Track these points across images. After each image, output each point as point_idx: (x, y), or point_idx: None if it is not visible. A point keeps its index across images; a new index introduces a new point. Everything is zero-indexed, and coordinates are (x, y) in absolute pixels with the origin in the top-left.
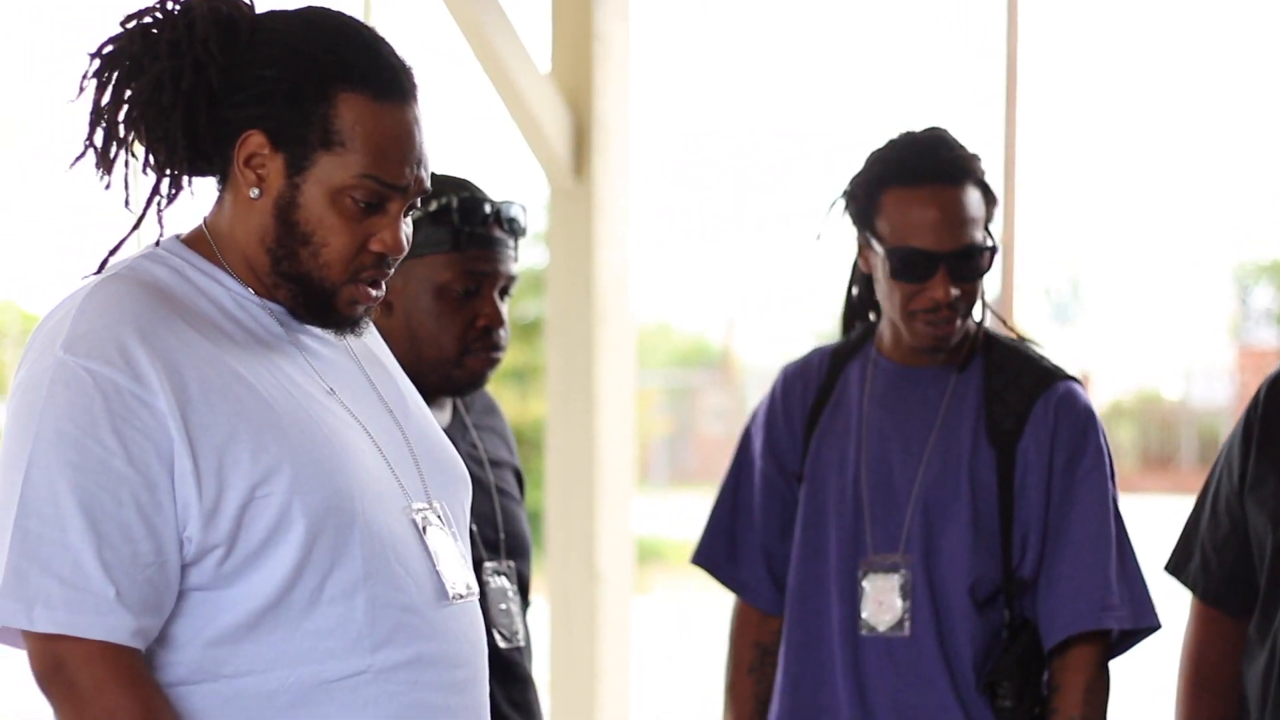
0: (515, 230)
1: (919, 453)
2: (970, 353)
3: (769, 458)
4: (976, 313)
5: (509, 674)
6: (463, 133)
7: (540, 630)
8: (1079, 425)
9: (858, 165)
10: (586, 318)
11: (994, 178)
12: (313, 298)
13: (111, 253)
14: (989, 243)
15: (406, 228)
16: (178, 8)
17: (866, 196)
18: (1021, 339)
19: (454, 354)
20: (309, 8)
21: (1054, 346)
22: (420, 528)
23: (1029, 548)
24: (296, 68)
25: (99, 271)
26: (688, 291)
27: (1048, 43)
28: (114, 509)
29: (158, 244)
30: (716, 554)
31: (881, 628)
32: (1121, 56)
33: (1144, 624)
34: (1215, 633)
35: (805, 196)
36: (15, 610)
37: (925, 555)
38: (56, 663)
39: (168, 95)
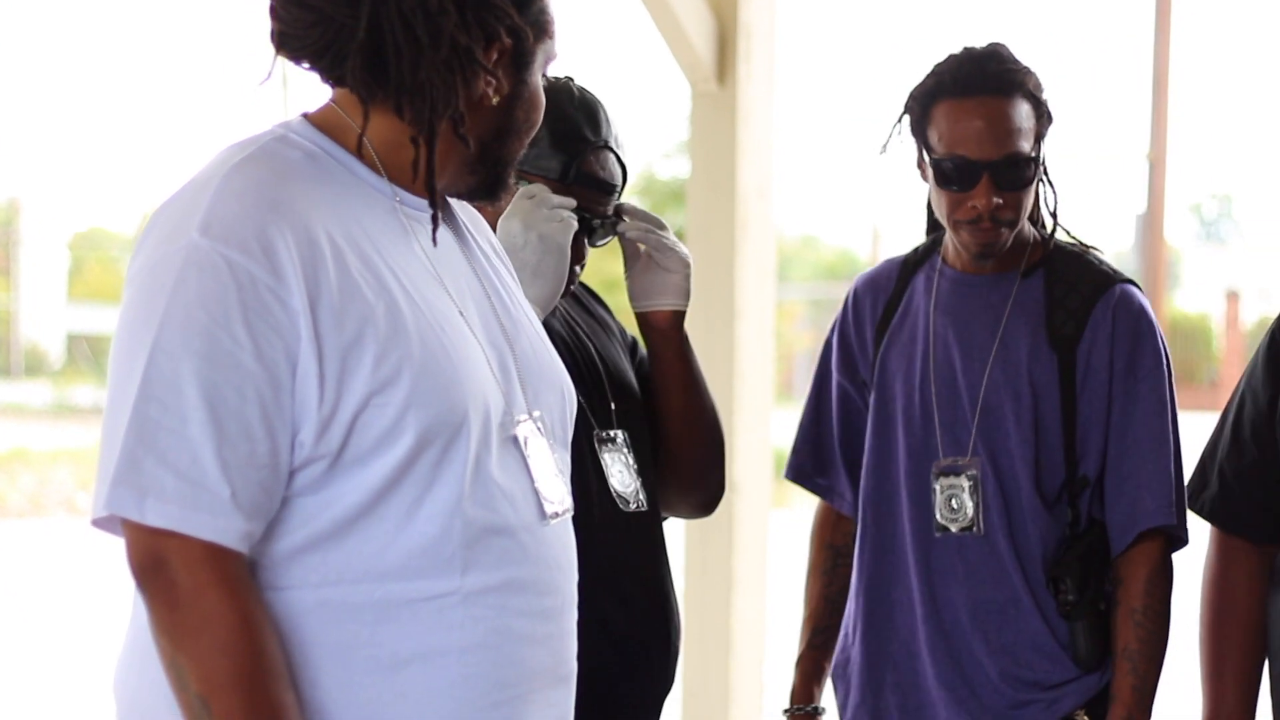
0: None
1: (982, 358)
2: (1033, 261)
3: (843, 369)
4: (1048, 221)
5: (637, 537)
6: (605, 36)
7: (676, 542)
8: (1137, 327)
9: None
10: (728, 227)
11: (1143, 93)
12: (503, 177)
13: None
14: (1035, 154)
15: None
16: None
17: (921, 109)
18: (1085, 247)
19: None
20: None
21: (1203, 265)
22: (522, 442)
23: (1091, 448)
24: None
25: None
26: (834, 204)
27: None
28: (238, 405)
29: (284, 124)
30: (805, 466)
31: (954, 528)
32: None
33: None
34: (1237, 561)
35: None
36: (126, 498)
37: (991, 457)
38: (158, 559)
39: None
